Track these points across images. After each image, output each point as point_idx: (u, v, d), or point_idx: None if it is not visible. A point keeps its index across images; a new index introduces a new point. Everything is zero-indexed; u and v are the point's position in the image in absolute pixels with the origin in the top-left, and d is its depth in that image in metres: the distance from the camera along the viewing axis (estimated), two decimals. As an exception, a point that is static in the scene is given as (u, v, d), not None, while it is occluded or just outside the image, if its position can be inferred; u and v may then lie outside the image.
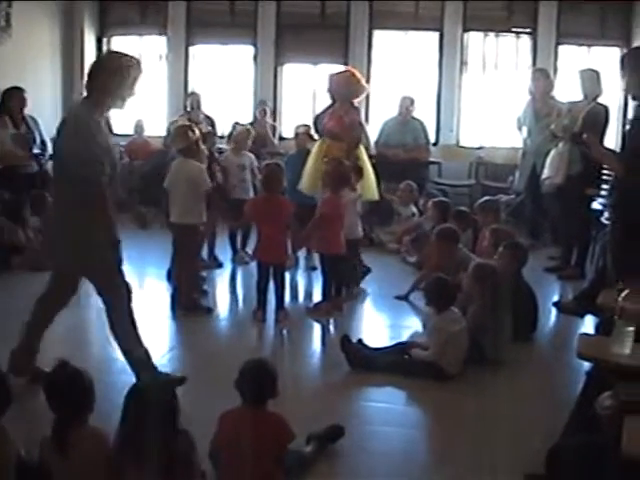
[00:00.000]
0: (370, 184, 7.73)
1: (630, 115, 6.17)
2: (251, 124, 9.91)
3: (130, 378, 3.75)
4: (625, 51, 5.77)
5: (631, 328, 3.56)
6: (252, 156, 8.65)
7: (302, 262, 8.25)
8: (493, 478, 4.16)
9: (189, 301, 6.86)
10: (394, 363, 5.60)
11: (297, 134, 9.01)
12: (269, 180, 6.75)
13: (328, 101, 7.93)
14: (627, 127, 6.33)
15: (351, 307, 7.17)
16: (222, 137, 9.74)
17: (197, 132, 7.05)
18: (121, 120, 12.36)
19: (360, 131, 7.72)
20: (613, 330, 3.64)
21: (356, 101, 7.75)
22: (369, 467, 4.28)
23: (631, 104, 7.74)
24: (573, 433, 3.82)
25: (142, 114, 11.92)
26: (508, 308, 5.90)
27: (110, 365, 5.50)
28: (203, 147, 7.22)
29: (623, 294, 3.58)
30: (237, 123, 9.88)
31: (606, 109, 8.06)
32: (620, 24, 11.37)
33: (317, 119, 8.14)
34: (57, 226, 5.06)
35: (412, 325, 6.89)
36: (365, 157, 7.76)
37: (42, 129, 10.21)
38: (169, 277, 7.35)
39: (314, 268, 7.86)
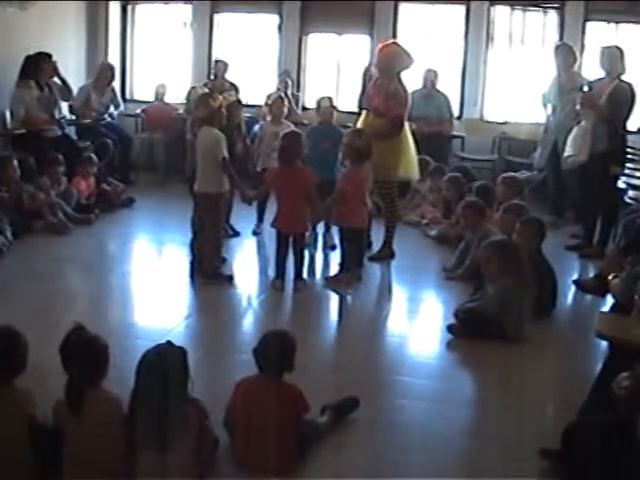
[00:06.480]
0: (411, 162, 7.63)
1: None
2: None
3: (146, 343, 3.74)
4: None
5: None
6: (291, 125, 8.23)
7: (320, 240, 7.99)
8: (508, 451, 4.15)
9: (212, 269, 6.76)
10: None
11: (319, 106, 8.69)
12: (286, 150, 6.60)
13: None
14: None
15: (370, 279, 7.16)
16: (247, 105, 9.64)
17: (218, 100, 6.93)
18: (142, 86, 12.44)
19: (404, 112, 7.50)
20: (633, 309, 3.61)
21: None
22: (383, 439, 4.28)
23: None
24: (590, 412, 3.80)
25: (165, 80, 11.92)
26: (530, 285, 5.82)
27: (127, 330, 5.57)
28: (225, 114, 7.06)
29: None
30: (270, 94, 9.72)
31: (631, 87, 7.96)
32: (649, 1, 11.20)
33: (363, 92, 7.79)
34: None
35: (430, 298, 6.88)
36: (409, 134, 7.61)
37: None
38: (192, 245, 7.24)
39: (333, 247, 7.74)
